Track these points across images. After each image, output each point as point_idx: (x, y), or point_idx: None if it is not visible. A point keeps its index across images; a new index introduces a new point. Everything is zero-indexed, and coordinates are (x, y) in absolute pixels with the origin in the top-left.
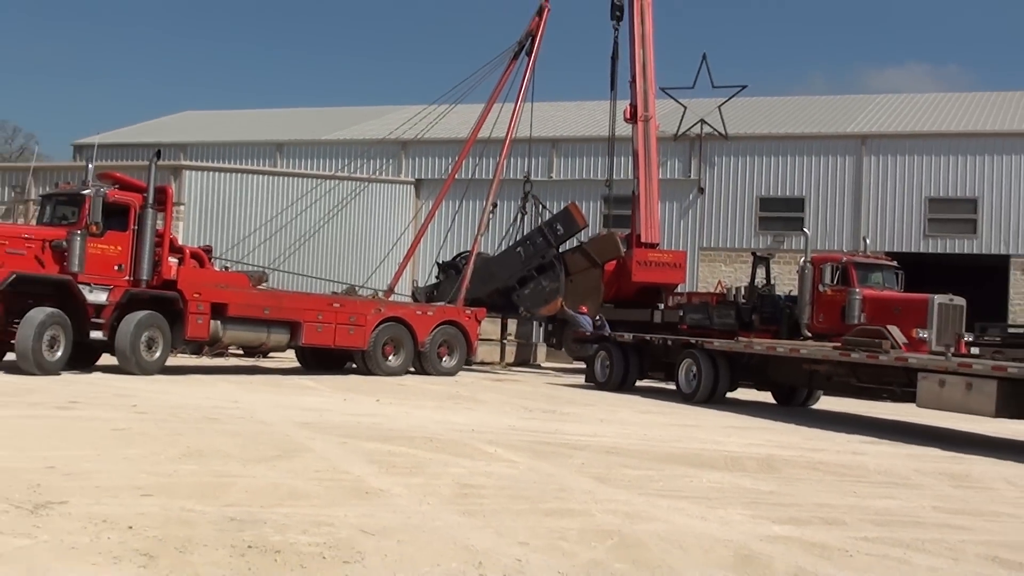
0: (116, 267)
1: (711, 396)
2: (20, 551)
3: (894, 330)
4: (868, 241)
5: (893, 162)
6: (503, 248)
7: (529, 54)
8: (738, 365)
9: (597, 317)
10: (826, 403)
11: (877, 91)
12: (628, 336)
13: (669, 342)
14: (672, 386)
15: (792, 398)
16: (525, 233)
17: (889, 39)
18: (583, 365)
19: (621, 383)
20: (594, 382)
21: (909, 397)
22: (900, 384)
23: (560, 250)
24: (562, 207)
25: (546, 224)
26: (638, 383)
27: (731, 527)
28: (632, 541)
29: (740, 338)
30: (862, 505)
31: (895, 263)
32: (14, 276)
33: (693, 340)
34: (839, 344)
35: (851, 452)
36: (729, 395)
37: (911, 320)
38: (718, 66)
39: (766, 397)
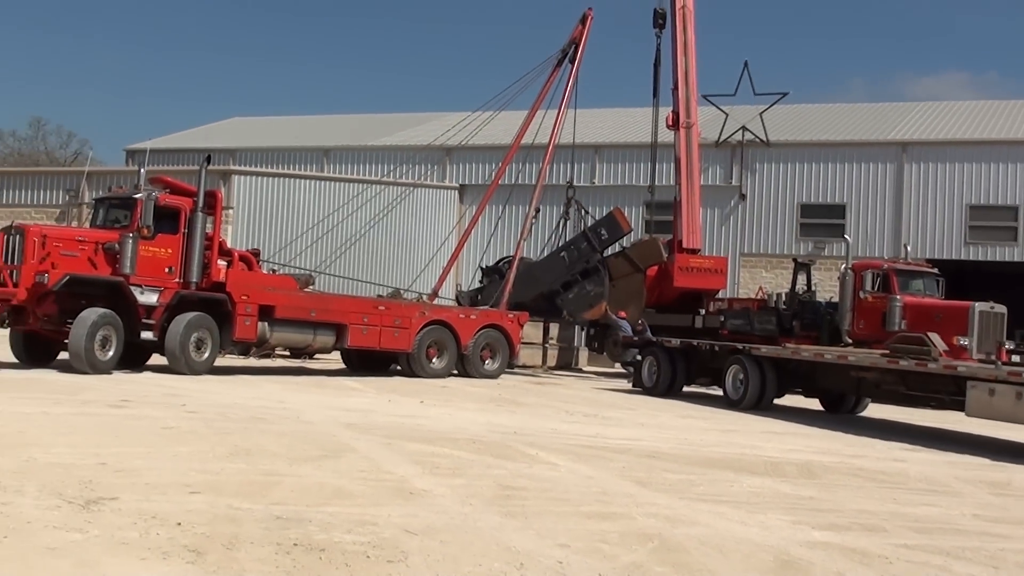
0: (167, 269)
1: (758, 402)
2: (72, 545)
3: (935, 337)
4: (909, 248)
5: (934, 169)
6: (546, 253)
7: (572, 61)
8: (785, 371)
9: (639, 321)
10: (872, 410)
11: (917, 99)
12: (675, 341)
13: (716, 348)
14: (719, 392)
15: (840, 405)
16: (568, 238)
17: (928, 47)
18: (625, 369)
19: (668, 388)
20: (641, 387)
21: (957, 406)
22: (948, 392)
23: (604, 255)
24: (605, 212)
25: (590, 229)
26: (685, 388)
27: (771, 532)
28: (673, 545)
29: (787, 344)
30: (902, 512)
31: (936, 270)
32: (68, 277)
33: (740, 346)
34: (887, 351)
35: (891, 459)
36: (776, 401)
37: (952, 327)
38: (759, 74)
39: (813, 404)
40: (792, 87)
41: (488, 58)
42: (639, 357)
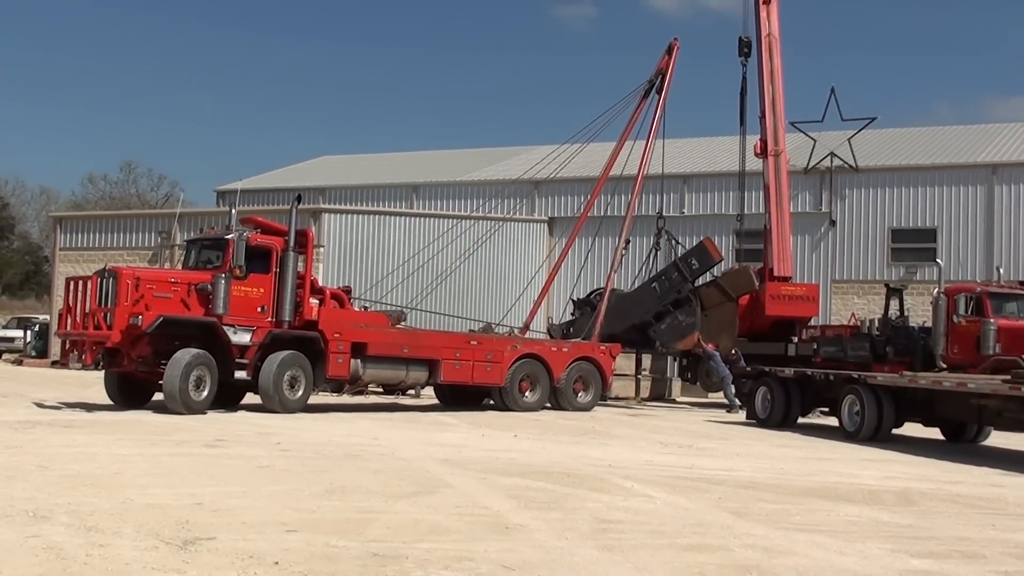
0: (259, 309)
1: (876, 433)
2: None
3: None
4: (1002, 271)
5: None
6: (637, 284)
7: (659, 92)
8: (903, 400)
9: (733, 351)
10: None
11: (1005, 120)
12: (789, 371)
13: (831, 377)
14: (835, 422)
15: (961, 435)
16: (658, 269)
17: (1015, 69)
18: (722, 399)
19: (783, 419)
20: (756, 419)
21: None
22: None
23: (695, 284)
24: (694, 242)
25: (681, 259)
26: (800, 420)
27: (870, 561)
28: None
29: (905, 372)
30: (1002, 538)
31: None
32: (161, 319)
33: (856, 375)
34: (1008, 377)
35: (989, 484)
36: (895, 432)
37: None
38: (846, 99)
39: (933, 433)
40: (878, 112)
41: (576, 92)
42: (733, 389)
